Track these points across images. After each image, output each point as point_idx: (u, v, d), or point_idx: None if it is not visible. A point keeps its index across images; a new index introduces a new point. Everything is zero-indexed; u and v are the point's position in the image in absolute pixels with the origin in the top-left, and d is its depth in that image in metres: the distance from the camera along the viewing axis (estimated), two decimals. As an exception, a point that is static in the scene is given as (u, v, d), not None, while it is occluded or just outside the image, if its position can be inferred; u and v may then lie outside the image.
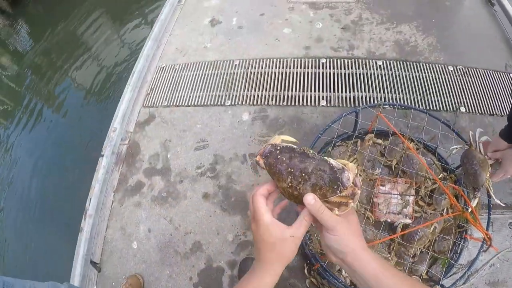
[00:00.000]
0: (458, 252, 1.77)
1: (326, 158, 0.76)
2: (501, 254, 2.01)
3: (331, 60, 2.61)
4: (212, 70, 2.68)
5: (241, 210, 2.10)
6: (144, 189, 2.29)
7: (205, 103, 2.52)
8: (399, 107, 2.05)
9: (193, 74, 2.70)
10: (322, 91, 2.42)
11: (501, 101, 2.55)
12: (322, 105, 2.34)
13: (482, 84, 2.63)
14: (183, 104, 2.57)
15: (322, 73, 2.52)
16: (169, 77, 2.74)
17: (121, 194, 2.29)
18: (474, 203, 1.63)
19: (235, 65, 2.64)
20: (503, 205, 1.44)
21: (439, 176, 1.96)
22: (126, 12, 5.70)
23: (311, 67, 2.56)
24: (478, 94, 2.56)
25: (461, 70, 2.67)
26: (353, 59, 2.61)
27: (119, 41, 5.26)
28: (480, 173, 1.57)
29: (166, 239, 2.11)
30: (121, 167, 2.41)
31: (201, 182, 2.23)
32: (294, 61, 2.60)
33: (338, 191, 0.72)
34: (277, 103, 2.37)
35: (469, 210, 1.78)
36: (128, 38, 5.26)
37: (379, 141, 2.02)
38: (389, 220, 1.84)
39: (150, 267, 2.04)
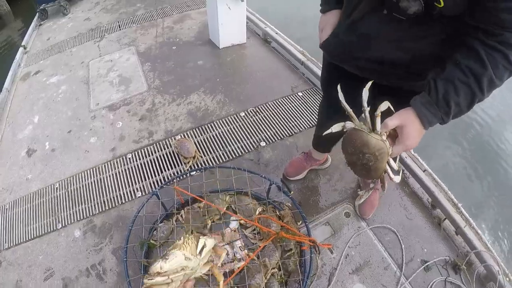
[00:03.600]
0: (306, 265, 1.84)
1: None
2: (350, 243, 2.08)
3: (136, 152, 2.79)
4: (38, 199, 2.65)
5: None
6: None
7: (40, 233, 2.47)
8: (194, 172, 2.32)
9: (23, 209, 2.63)
10: (135, 183, 2.58)
11: (296, 120, 2.84)
12: (139, 196, 2.49)
13: (275, 114, 2.91)
14: (22, 241, 2.47)
15: (131, 167, 2.68)
16: (3, 218, 2.61)
17: None
18: (365, 196, 1.38)
19: (56, 188, 2.66)
20: (397, 181, 1.11)
21: (259, 210, 2.13)
22: None
23: (120, 166, 2.70)
24: (273, 124, 2.83)
25: (253, 111, 2.96)
26: (154, 144, 2.83)
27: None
28: (375, 167, 1.06)
29: None
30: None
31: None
32: (104, 166, 2.72)
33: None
34: (100, 210, 2.46)
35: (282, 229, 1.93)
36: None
37: (181, 212, 2.24)
38: (227, 270, 1.87)
39: None
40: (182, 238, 0.92)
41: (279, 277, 1.87)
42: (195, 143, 2.80)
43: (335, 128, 1.15)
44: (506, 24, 0.83)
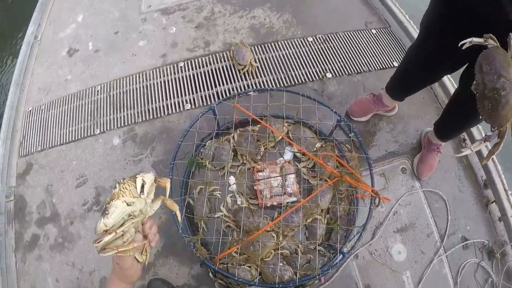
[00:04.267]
0: (354, 214, 1.70)
1: None
2: (401, 200, 1.98)
3: (189, 61, 2.40)
4: (77, 101, 2.36)
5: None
6: (41, 240, 2.00)
7: (76, 138, 2.22)
8: (256, 91, 1.90)
9: (59, 111, 2.36)
10: (185, 95, 2.22)
11: (366, 58, 2.50)
12: (187, 109, 2.15)
13: (345, 47, 2.55)
14: (56, 144, 2.24)
15: (182, 77, 2.31)
16: (37, 119, 2.37)
17: (21, 253, 2.00)
18: (476, 147, 1.12)
19: (97, 91, 2.34)
20: None
21: (317, 146, 1.87)
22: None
23: (170, 74, 2.33)
24: (342, 57, 2.48)
25: (321, 39, 2.60)
26: (210, 55, 2.43)
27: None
28: (506, 101, 0.85)
29: (74, 284, 1.88)
30: (14, 225, 2.09)
31: (90, 218, 1.98)
32: (152, 72, 2.36)
33: None
34: (144, 119, 2.14)
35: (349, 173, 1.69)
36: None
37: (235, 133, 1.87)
38: (275, 203, 1.73)
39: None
40: (116, 185, 0.79)
41: (326, 221, 1.73)
42: (256, 60, 2.38)
43: (476, 40, 0.99)
44: None
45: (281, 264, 1.59)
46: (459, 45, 1.02)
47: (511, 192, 2.04)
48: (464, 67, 1.48)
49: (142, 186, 0.83)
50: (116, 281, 0.84)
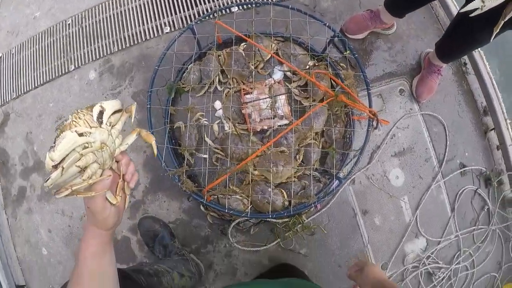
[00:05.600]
0: (350, 137, 1.60)
1: None
2: (399, 123, 1.88)
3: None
4: (48, 39, 2.10)
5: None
6: (28, 192, 1.89)
7: (50, 78, 2.00)
8: (239, 7, 1.66)
9: (31, 52, 2.12)
10: (164, 17, 1.96)
11: None
12: (167, 32, 1.91)
13: None
14: (30, 88, 2.03)
15: (159, -4, 2.01)
16: (9, 65, 2.14)
17: (11, 208, 1.91)
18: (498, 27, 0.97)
19: (68, 24, 2.07)
20: None
21: (309, 64, 1.66)
22: None
23: (146, -4, 2.04)
24: None
25: None
26: None
27: None
28: None
29: (67, 232, 1.82)
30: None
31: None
32: (127, -4, 2.06)
33: None
34: (120, 48, 1.90)
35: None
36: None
37: (220, 52, 1.65)
38: (266, 127, 1.59)
39: (66, 265, 1.81)
40: (69, 116, 0.63)
41: (320, 145, 1.60)
42: None
43: None
44: None
45: (269, 189, 1.46)
46: None
47: (511, 121, 1.96)
48: None
49: (101, 115, 0.67)
50: (90, 227, 0.70)
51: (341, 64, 1.72)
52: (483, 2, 0.89)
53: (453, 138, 1.92)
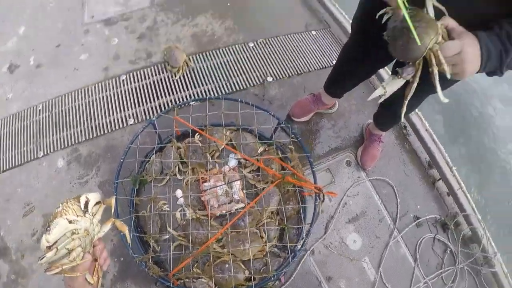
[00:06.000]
0: (304, 212, 1.71)
1: None
2: (349, 192, 1.98)
3: (131, 74, 2.25)
4: (19, 122, 2.17)
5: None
6: None
7: (20, 162, 2.03)
8: (195, 102, 1.81)
9: (0, 134, 2.15)
10: (128, 109, 2.09)
11: (307, 59, 2.46)
12: (131, 124, 2.02)
13: (285, 50, 2.50)
14: None
15: (124, 90, 2.17)
16: None
17: None
18: (389, 84, 0.98)
19: (39, 110, 2.16)
20: (446, 100, 0.89)
21: (260, 150, 1.81)
22: None
23: (113, 88, 2.18)
24: (283, 60, 2.43)
25: (262, 43, 2.52)
26: (152, 67, 2.29)
27: None
28: (419, 33, 0.83)
29: None
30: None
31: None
32: (95, 87, 2.20)
33: None
34: (87, 137, 1.99)
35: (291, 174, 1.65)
36: None
37: (179, 144, 1.78)
38: (224, 212, 1.69)
39: None
40: (60, 205, 0.78)
41: (277, 222, 1.71)
42: (196, 69, 2.29)
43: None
44: None
45: (231, 265, 1.54)
46: (377, 16, 1.02)
47: (456, 167, 2.08)
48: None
49: (87, 205, 0.81)
50: None
51: (290, 147, 1.84)
52: (384, 88, 0.98)
53: (403, 195, 2.01)
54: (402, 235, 1.91)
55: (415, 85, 0.94)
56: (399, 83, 0.95)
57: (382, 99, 1.01)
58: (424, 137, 2.18)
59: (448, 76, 0.86)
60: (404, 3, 0.84)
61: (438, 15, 0.90)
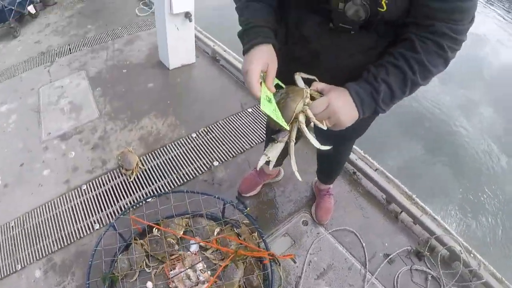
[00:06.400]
0: (271, 279, 1.78)
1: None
2: (311, 250, 2.04)
3: (90, 183, 2.64)
4: (-6, 240, 2.44)
5: None
6: None
7: (0, 277, 2.28)
8: (146, 200, 2.22)
9: None
10: (92, 215, 2.45)
11: (247, 136, 2.76)
12: (97, 229, 2.36)
13: (226, 132, 2.81)
14: None
15: (87, 199, 2.54)
16: None
17: None
18: (274, 151, 1.07)
19: (12, 226, 2.47)
20: (325, 147, 1.00)
21: (217, 231, 2.06)
22: None
23: (76, 198, 2.56)
24: (225, 143, 2.73)
25: (204, 132, 2.83)
26: (108, 173, 2.69)
27: None
28: (285, 107, 0.96)
29: None
30: None
31: None
32: (59, 199, 2.56)
33: None
34: (59, 247, 2.31)
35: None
36: None
37: (142, 241, 2.14)
38: None
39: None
40: None
41: None
42: (147, 169, 2.70)
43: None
44: (437, 15, 0.84)
45: None
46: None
47: (415, 195, 2.19)
48: None
49: None
50: None
51: (244, 222, 2.00)
52: (267, 155, 1.05)
53: (367, 237, 2.07)
54: (376, 275, 1.92)
55: (293, 143, 1.04)
56: (279, 147, 1.05)
57: (271, 165, 1.08)
58: (374, 178, 2.27)
59: (324, 128, 0.95)
60: (266, 90, 0.96)
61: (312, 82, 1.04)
